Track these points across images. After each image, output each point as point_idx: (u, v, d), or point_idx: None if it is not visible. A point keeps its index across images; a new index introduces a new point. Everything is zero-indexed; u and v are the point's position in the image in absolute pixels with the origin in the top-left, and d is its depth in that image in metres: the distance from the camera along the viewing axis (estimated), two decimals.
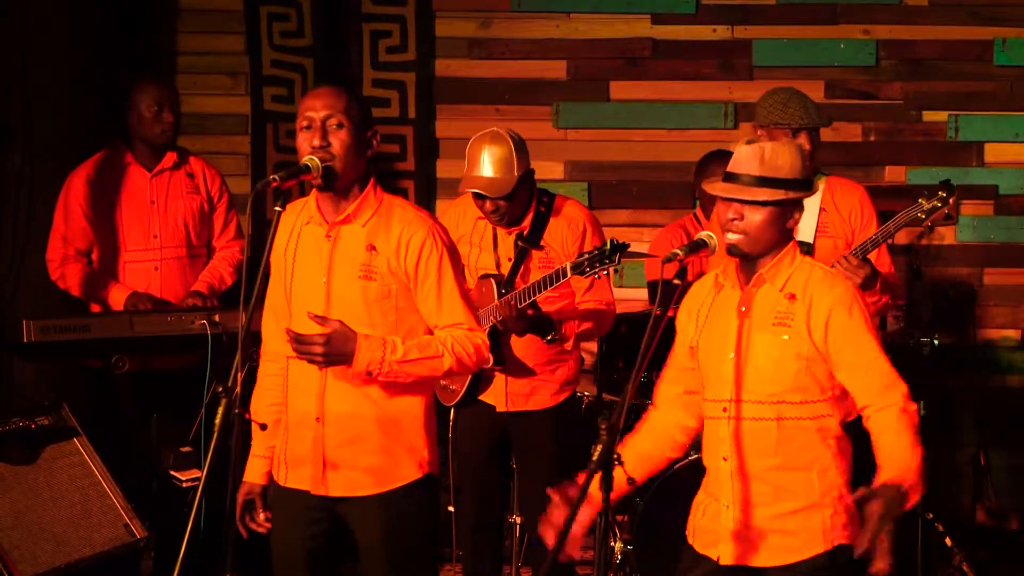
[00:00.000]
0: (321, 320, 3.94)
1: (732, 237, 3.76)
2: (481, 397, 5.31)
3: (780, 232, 3.78)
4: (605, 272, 4.88)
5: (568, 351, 5.33)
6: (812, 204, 5.24)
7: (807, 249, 5.24)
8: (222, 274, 6.07)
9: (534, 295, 5.05)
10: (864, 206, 5.35)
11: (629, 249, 4.92)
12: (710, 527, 3.85)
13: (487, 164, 5.13)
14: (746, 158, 3.77)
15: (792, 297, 3.77)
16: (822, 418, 3.78)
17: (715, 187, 3.82)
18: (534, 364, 5.27)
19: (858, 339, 3.74)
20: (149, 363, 5.69)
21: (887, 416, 3.69)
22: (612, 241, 4.86)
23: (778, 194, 3.73)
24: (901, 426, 3.67)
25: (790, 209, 3.78)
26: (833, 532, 3.76)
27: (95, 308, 5.92)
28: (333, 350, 3.92)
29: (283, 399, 4.14)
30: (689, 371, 3.94)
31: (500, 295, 5.13)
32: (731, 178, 3.79)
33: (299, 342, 3.92)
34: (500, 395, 5.29)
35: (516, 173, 5.13)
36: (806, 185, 3.80)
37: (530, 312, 5.06)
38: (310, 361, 3.95)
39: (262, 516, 4.16)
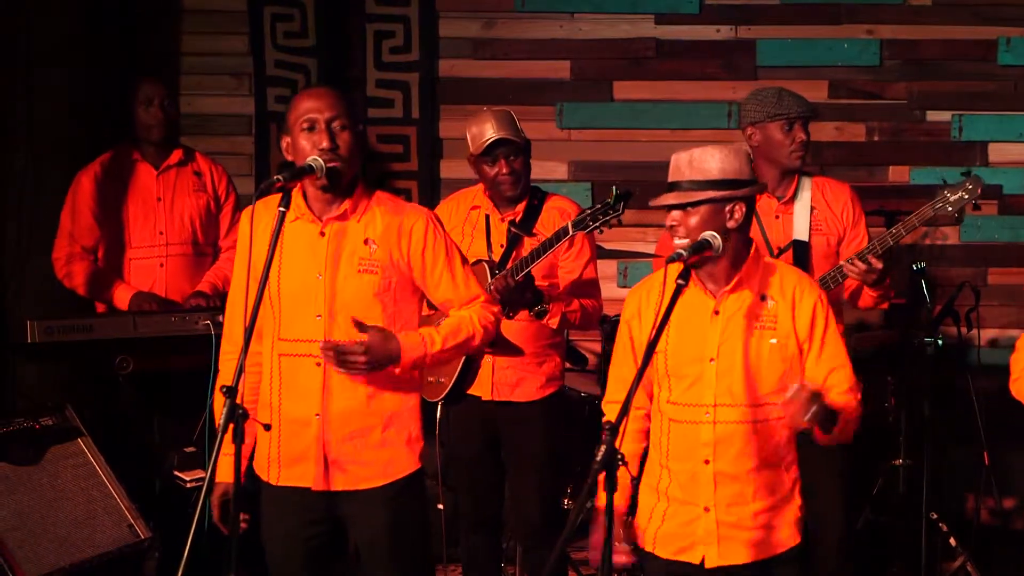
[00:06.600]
0: (361, 327, 3.94)
1: (678, 243, 3.82)
2: (468, 391, 5.30)
3: (721, 232, 3.80)
4: (609, 225, 4.87)
5: (555, 341, 5.32)
6: (803, 204, 5.26)
7: (804, 248, 5.24)
8: (227, 274, 6.05)
9: (537, 258, 5.03)
10: (854, 204, 5.34)
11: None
12: (682, 532, 3.90)
13: (498, 126, 5.18)
14: (676, 166, 3.85)
15: (769, 299, 3.86)
16: None
17: (657, 200, 3.88)
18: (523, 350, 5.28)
19: (835, 345, 3.91)
20: (153, 363, 5.69)
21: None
22: (615, 190, 4.85)
23: (703, 195, 3.79)
24: (849, 397, 3.87)
25: (724, 208, 3.81)
26: (801, 523, 3.92)
27: (100, 308, 5.93)
28: (375, 357, 3.95)
29: (268, 398, 4.12)
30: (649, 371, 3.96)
31: (493, 277, 5.15)
32: (673, 187, 3.85)
33: (340, 352, 3.93)
34: (486, 384, 5.28)
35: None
36: (736, 185, 3.82)
37: (522, 279, 5.04)
38: (350, 370, 3.96)
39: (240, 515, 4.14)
